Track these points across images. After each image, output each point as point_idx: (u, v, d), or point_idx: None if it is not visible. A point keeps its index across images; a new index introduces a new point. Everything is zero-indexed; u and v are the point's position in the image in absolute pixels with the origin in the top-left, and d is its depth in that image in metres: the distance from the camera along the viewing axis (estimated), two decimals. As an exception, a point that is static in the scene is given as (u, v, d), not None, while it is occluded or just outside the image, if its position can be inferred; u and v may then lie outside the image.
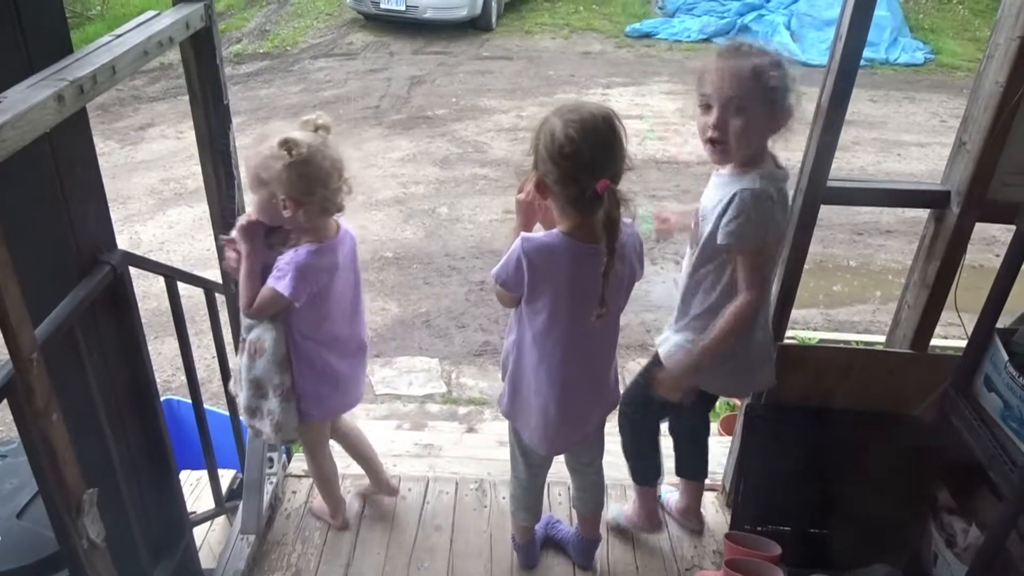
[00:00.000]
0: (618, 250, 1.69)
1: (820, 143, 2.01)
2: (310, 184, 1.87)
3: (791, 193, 2.15)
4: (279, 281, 1.93)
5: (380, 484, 2.62)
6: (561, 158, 1.65)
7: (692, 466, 2.46)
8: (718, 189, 1.89)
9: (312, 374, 2.12)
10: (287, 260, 1.94)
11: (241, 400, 2.16)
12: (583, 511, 2.35)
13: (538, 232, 1.80)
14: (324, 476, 2.45)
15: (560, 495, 2.69)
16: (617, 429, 2.33)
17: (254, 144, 1.90)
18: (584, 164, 1.65)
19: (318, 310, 2.04)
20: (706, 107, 1.82)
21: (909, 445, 2.30)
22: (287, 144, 1.83)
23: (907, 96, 8.64)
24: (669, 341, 2.07)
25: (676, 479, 2.53)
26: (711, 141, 1.82)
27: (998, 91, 1.93)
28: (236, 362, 2.18)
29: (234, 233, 1.98)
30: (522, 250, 1.74)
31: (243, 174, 1.96)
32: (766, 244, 1.85)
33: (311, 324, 2.07)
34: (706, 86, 1.81)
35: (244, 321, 2.08)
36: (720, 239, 1.83)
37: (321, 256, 1.97)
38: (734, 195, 1.80)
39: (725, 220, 1.82)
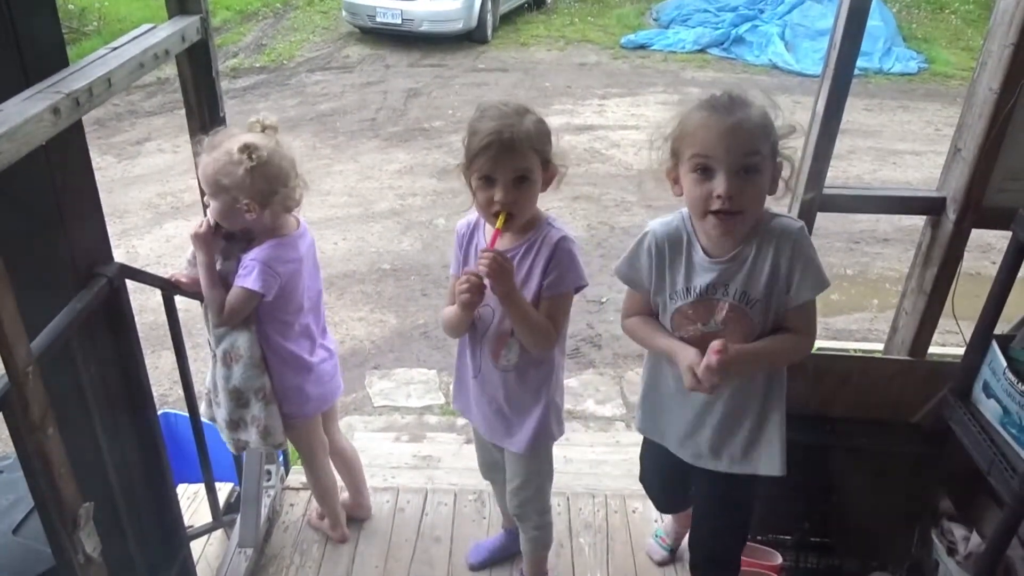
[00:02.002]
0: None
1: (816, 150, 2.02)
2: (272, 185, 1.90)
3: (788, 201, 2.15)
4: (246, 278, 1.94)
5: (358, 507, 2.62)
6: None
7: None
8: (751, 266, 1.61)
9: (289, 371, 2.12)
10: (251, 257, 1.95)
11: (221, 416, 2.15)
12: None
13: (554, 229, 1.78)
14: (324, 487, 2.44)
15: (559, 505, 2.68)
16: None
17: (207, 151, 1.91)
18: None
19: (289, 305, 2.05)
20: (703, 171, 1.52)
21: (909, 452, 2.30)
22: (248, 149, 1.85)
23: (901, 105, 8.67)
24: (734, 450, 1.80)
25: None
26: (722, 213, 1.52)
27: (992, 98, 1.94)
28: (208, 381, 2.18)
29: (190, 238, 1.98)
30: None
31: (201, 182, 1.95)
32: None
33: (284, 320, 2.07)
34: (700, 146, 1.52)
35: (214, 333, 2.07)
36: (805, 295, 1.60)
37: (284, 249, 1.99)
38: (794, 246, 1.58)
39: (804, 272, 1.58)
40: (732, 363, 1.57)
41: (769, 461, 1.79)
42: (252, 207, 1.90)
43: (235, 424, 2.14)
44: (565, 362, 1.99)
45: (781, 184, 1.60)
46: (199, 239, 1.96)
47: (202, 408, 2.25)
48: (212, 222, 1.97)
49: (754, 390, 1.76)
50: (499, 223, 1.69)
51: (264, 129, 1.95)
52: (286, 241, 2.00)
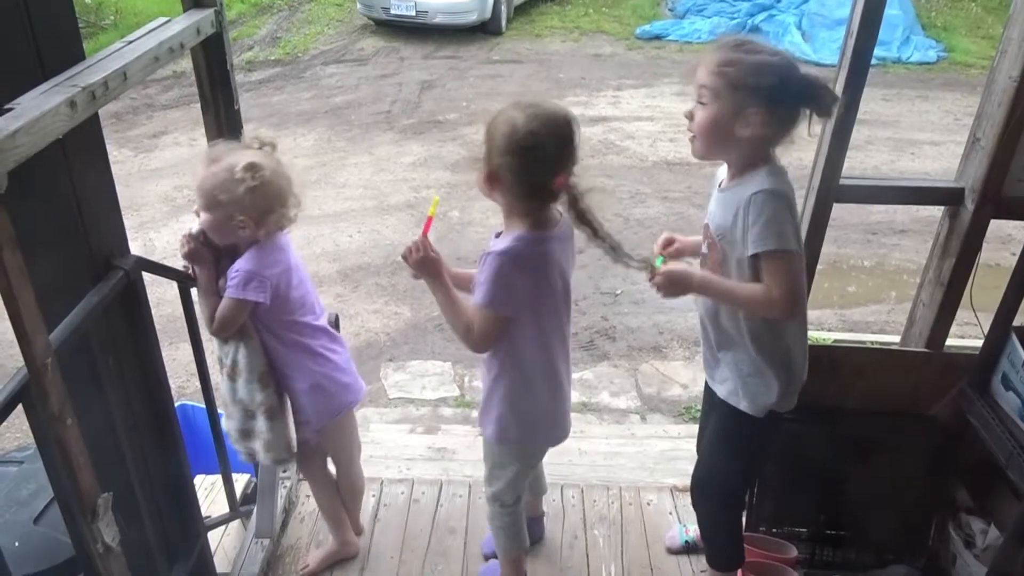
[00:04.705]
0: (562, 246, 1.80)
1: (832, 140, 2.00)
2: (270, 203, 1.90)
3: (804, 192, 2.14)
4: (237, 288, 1.93)
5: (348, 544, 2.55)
6: (522, 150, 1.66)
7: None
8: (727, 204, 1.77)
9: (316, 367, 2.11)
10: (237, 268, 1.94)
11: (232, 426, 2.15)
12: (533, 494, 2.45)
13: (503, 241, 1.77)
14: (357, 489, 2.47)
15: (574, 497, 2.69)
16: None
17: (205, 164, 1.90)
18: (546, 158, 1.67)
19: (290, 303, 2.04)
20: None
21: (926, 445, 2.28)
22: (252, 168, 1.85)
23: (920, 95, 8.58)
24: (728, 383, 1.95)
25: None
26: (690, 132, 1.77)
27: (1012, 86, 1.92)
28: (221, 392, 2.17)
29: (182, 258, 1.98)
30: (512, 266, 1.73)
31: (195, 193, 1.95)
32: (792, 245, 1.68)
33: (291, 319, 2.05)
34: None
35: (221, 349, 2.06)
36: (749, 248, 1.70)
37: (267, 252, 1.97)
38: (748, 200, 1.69)
39: (749, 227, 1.69)
40: (681, 280, 1.77)
41: (745, 402, 1.92)
42: (248, 224, 1.89)
43: (246, 433, 2.15)
44: (531, 378, 1.93)
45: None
46: (191, 256, 1.96)
47: (224, 422, 2.25)
48: (196, 232, 1.95)
49: (738, 336, 1.87)
50: (431, 209, 1.79)
51: (262, 146, 1.94)
52: (265, 245, 1.98)
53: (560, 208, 1.81)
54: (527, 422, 2.00)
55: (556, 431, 2.06)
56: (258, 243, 1.97)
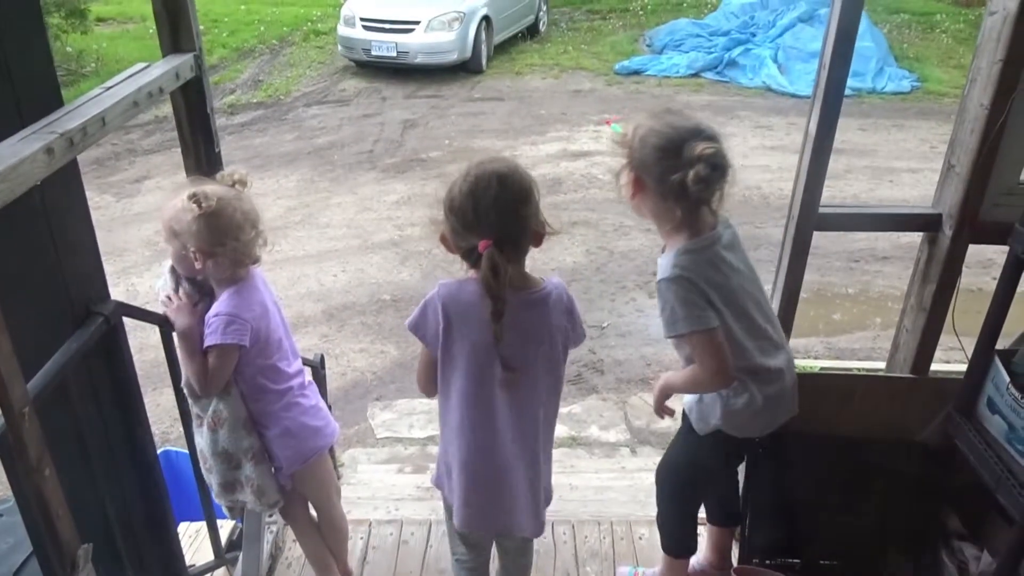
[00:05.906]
0: (514, 310, 1.62)
1: (810, 170, 2.03)
2: (220, 236, 1.87)
3: (785, 223, 2.15)
4: (217, 334, 1.91)
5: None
6: (451, 212, 1.65)
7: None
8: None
9: (289, 413, 2.09)
10: (213, 314, 1.93)
11: (215, 480, 2.11)
12: None
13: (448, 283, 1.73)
14: (342, 531, 2.42)
15: (565, 533, 2.65)
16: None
17: (169, 196, 1.92)
18: (467, 222, 1.62)
19: (269, 347, 2.02)
20: None
21: (915, 471, 2.28)
22: (195, 197, 1.84)
23: (895, 124, 8.71)
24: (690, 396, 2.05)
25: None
26: None
27: (983, 114, 1.95)
28: (199, 446, 2.12)
29: (167, 312, 1.99)
30: (437, 295, 1.69)
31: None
32: (703, 322, 1.73)
33: (267, 364, 2.04)
34: None
35: (198, 403, 2.04)
36: (664, 332, 1.80)
37: (243, 295, 1.96)
38: (656, 288, 1.79)
39: (659, 314, 1.81)
40: (658, 397, 1.95)
41: (694, 416, 2.02)
42: (197, 256, 1.88)
43: (231, 486, 2.11)
44: (451, 425, 1.88)
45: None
46: (176, 312, 1.97)
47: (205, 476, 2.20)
48: (171, 285, 1.98)
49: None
50: None
51: (234, 183, 1.94)
52: (242, 287, 1.97)
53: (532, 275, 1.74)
54: (452, 485, 1.89)
55: (475, 520, 1.88)
56: (235, 286, 1.96)
